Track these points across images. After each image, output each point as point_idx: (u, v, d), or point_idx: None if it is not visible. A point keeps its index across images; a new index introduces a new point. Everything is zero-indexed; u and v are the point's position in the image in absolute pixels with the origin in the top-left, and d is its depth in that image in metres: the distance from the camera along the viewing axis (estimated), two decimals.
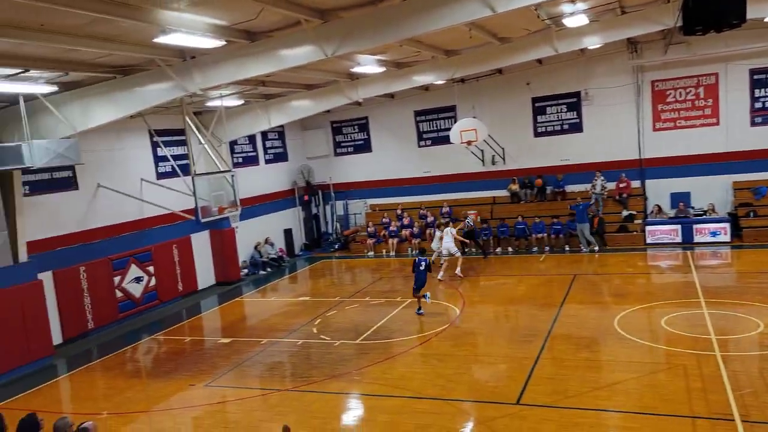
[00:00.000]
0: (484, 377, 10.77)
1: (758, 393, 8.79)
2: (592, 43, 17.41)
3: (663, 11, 15.08)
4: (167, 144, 18.26)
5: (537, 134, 22.39)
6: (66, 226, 15.65)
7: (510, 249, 21.21)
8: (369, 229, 23.76)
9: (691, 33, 9.26)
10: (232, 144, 21.45)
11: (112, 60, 11.61)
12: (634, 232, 20.22)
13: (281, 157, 24.91)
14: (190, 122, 15.35)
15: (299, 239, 25.22)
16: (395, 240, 22.90)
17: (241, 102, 19.27)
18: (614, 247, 19.94)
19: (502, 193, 22.98)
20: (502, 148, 22.60)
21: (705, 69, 19.85)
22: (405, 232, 23.05)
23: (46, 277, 14.63)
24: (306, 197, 25.37)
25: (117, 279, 16.72)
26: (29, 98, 12.50)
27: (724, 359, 10.08)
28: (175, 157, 18.14)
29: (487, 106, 22.37)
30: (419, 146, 24.31)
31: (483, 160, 22.97)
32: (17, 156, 12.00)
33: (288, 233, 24.49)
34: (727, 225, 19.10)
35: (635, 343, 11.28)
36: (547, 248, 20.56)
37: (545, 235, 20.59)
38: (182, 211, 16.83)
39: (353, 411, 10.06)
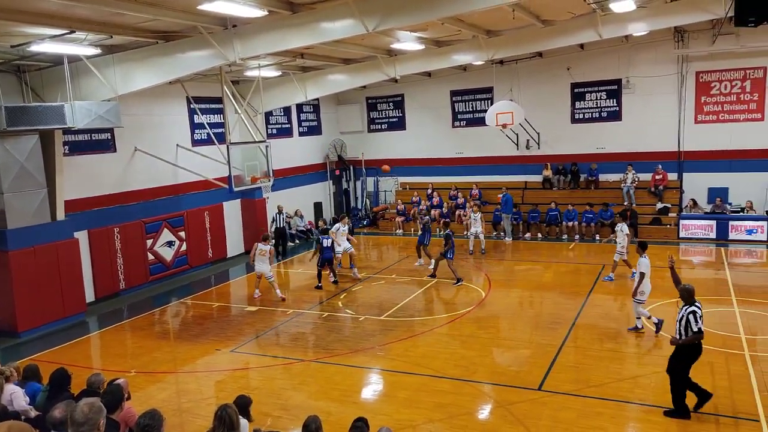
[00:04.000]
0: (506, 361, 10.78)
1: None
2: (638, 30, 16.93)
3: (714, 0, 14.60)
4: (204, 111, 18.42)
5: (574, 120, 22.02)
6: (102, 187, 16.00)
7: (539, 235, 21.05)
8: (398, 207, 23.76)
9: (743, 24, 8.78)
10: (268, 115, 21.57)
11: (155, 25, 11.70)
12: (668, 225, 19.86)
13: (315, 130, 24.97)
14: (227, 91, 15.46)
15: (329, 213, 25.38)
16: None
17: (278, 73, 19.30)
18: (646, 239, 19.52)
19: (535, 178, 22.74)
20: (537, 133, 22.29)
21: (753, 62, 19.21)
22: (434, 212, 22.99)
23: (82, 236, 15.04)
24: (337, 172, 25.45)
25: (149, 242, 17.10)
26: (73, 60, 12.72)
27: (752, 359, 9.94)
28: (211, 125, 18.31)
29: (525, 89, 22.04)
30: (453, 126, 24.12)
31: (517, 144, 22.72)
32: (60, 116, 12.31)
33: (318, 207, 24.64)
34: (764, 224, 18.61)
35: (662, 337, 11.14)
36: (577, 236, 20.33)
37: (576, 223, 20.36)
38: (215, 179, 17.04)
39: (374, 385, 10.18)
